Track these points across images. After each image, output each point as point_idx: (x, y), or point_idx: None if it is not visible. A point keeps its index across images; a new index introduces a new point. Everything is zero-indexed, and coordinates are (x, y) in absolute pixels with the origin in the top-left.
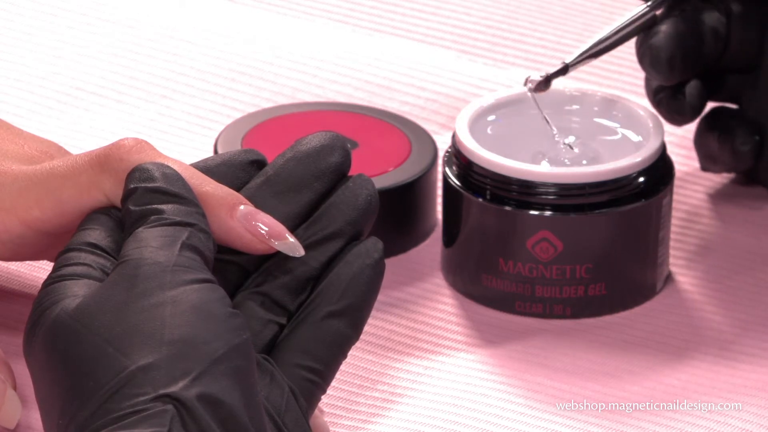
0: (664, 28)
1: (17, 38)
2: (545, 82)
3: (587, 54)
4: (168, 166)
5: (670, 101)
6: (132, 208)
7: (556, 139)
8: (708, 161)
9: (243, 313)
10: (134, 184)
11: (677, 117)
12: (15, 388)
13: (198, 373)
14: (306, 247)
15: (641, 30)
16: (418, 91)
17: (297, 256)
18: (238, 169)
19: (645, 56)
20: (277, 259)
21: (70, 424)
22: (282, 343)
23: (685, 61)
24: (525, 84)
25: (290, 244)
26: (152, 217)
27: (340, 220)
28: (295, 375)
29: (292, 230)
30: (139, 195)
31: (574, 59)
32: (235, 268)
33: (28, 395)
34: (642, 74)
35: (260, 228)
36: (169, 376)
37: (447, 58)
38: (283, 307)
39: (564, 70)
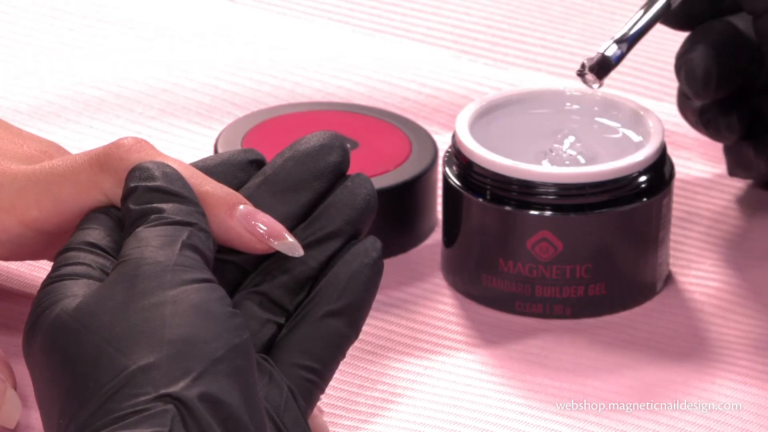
0: (701, 44)
1: (17, 39)
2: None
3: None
4: (168, 165)
5: (719, 119)
6: (132, 206)
7: (553, 147)
8: (739, 168)
9: (241, 312)
10: (134, 182)
11: (727, 135)
12: (15, 387)
13: (198, 372)
14: (305, 247)
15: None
16: (419, 88)
17: (296, 256)
18: (237, 169)
19: (680, 70)
20: (275, 258)
21: (70, 425)
22: (280, 343)
23: (720, 78)
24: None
25: (289, 244)
26: (152, 216)
27: (339, 219)
28: (294, 374)
29: (291, 230)
30: (140, 194)
31: (615, 51)
32: (234, 268)
33: (28, 395)
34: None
35: (259, 228)
36: (170, 375)
37: (447, 58)
38: (282, 307)
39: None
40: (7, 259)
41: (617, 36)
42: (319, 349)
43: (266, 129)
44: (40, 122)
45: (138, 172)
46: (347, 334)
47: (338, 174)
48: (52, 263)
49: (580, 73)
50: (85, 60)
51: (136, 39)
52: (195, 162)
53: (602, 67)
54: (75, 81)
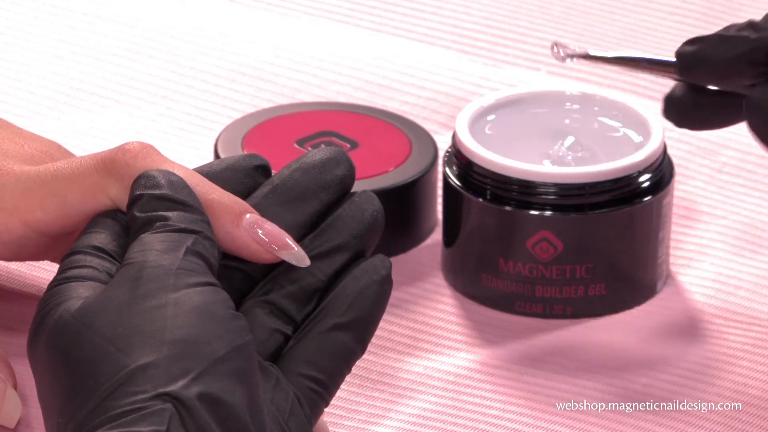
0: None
1: (18, 37)
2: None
3: (613, 59)
4: (174, 174)
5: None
6: (137, 214)
7: (553, 147)
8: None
9: (249, 320)
10: (140, 190)
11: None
12: (15, 387)
13: (198, 372)
14: (312, 258)
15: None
16: (418, 91)
17: (302, 266)
18: (243, 175)
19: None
20: (283, 268)
21: (69, 423)
22: (287, 354)
23: (693, 113)
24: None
25: (296, 254)
26: (157, 224)
27: (346, 233)
28: (299, 384)
29: (298, 240)
30: (145, 202)
31: (600, 55)
32: (241, 276)
33: (28, 394)
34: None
35: (265, 237)
36: (169, 375)
37: (447, 58)
38: (290, 317)
39: (585, 56)
40: (8, 259)
41: (610, 56)
42: (325, 361)
43: (266, 129)
44: (41, 122)
45: (144, 179)
46: (353, 348)
47: (345, 188)
48: (53, 264)
49: (562, 49)
50: (85, 59)
51: (137, 38)
52: (200, 167)
53: (582, 57)
54: (75, 80)
